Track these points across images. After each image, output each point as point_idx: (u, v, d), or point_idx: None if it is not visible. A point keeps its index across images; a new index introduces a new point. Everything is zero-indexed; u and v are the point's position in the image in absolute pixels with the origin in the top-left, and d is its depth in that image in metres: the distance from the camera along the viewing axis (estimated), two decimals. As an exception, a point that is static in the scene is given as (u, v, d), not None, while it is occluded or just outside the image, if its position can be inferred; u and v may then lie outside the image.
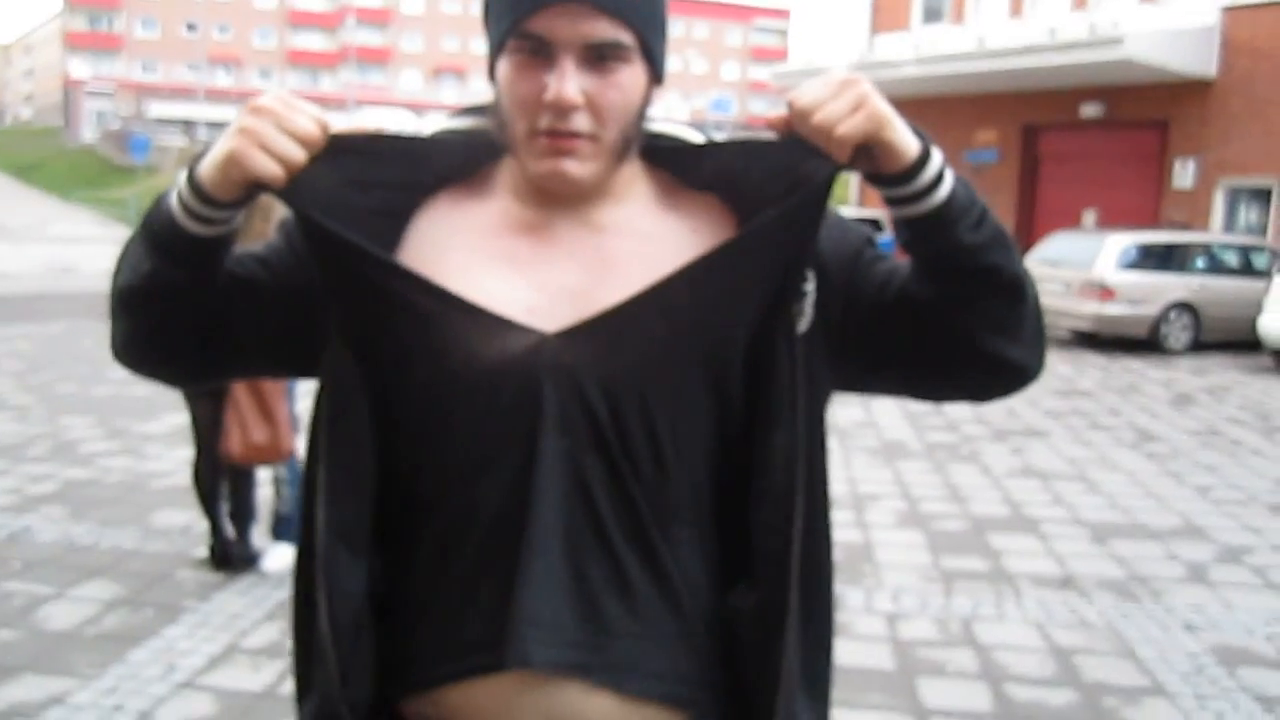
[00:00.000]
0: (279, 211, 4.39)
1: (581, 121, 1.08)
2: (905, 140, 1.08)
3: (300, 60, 69.88)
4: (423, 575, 1.14)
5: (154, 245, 1.11)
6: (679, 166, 1.21)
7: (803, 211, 1.11)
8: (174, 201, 1.10)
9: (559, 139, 1.08)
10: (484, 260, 1.14)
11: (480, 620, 1.08)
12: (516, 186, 1.18)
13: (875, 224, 18.62)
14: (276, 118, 1.06)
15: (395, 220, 1.15)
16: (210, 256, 1.12)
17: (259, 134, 1.05)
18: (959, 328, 1.14)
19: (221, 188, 1.07)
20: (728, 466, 1.14)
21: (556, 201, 1.15)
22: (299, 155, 1.07)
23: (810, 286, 1.14)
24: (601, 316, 1.08)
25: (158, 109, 55.28)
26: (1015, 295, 1.14)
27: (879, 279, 1.18)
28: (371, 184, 1.13)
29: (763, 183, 1.13)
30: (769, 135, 1.15)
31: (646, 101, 1.14)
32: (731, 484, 1.14)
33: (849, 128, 1.05)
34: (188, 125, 49.60)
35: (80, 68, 64.09)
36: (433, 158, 1.19)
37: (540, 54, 1.08)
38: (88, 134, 50.47)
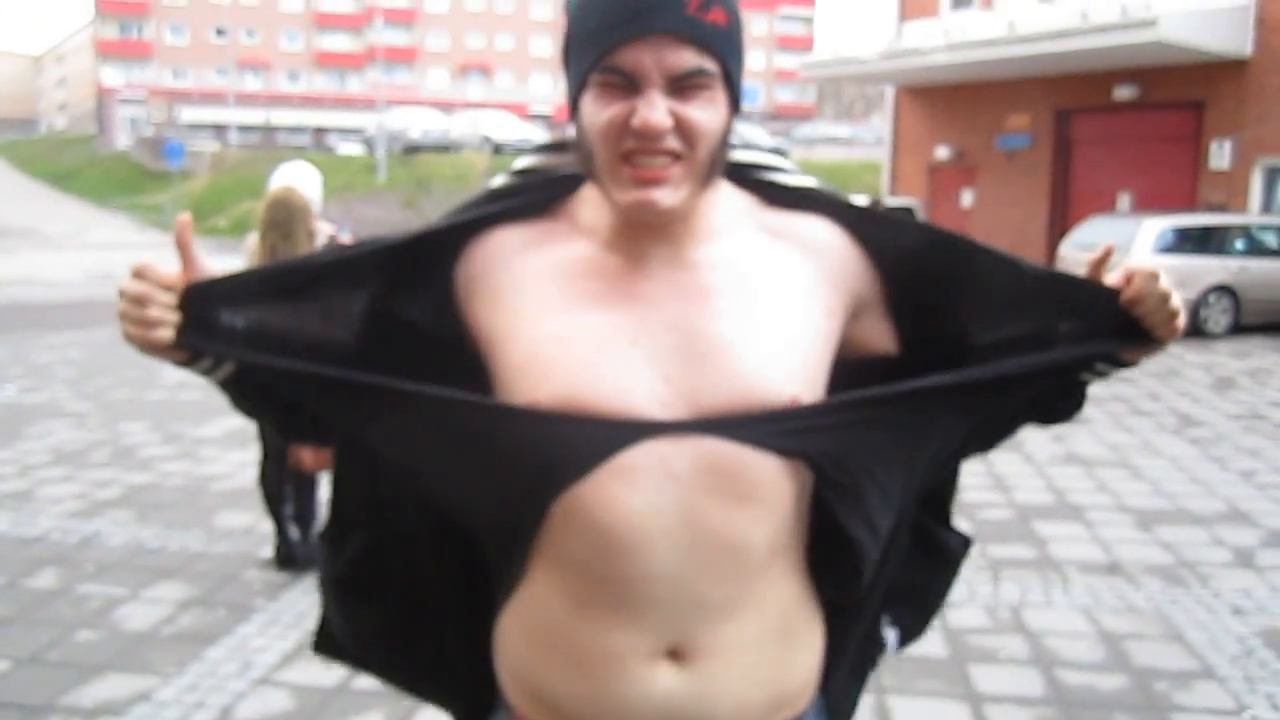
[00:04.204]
0: (316, 229, 4.49)
1: (670, 142, 1.09)
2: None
3: (327, 61, 70.30)
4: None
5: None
6: (771, 193, 1.27)
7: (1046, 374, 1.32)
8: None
9: (646, 170, 1.09)
10: (575, 299, 1.16)
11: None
12: (600, 228, 1.18)
13: (908, 211, 18.55)
14: (131, 307, 1.11)
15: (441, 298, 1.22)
16: (244, 385, 1.21)
17: (127, 325, 1.13)
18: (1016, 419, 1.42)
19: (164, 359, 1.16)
20: None
21: (646, 241, 1.16)
22: (164, 315, 1.11)
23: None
24: (711, 420, 1.11)
25: (189, 114, 55.84)
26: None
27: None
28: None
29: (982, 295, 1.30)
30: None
31: (729, 128, 1.15)
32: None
33: (1180, 326, 1.24)
34: (219, 129, 50.08)
35: (112, 75, 64.84)
36: (491, 202, 1.24)
37: (626, 87, 1.09)
38: (122, 140, 51.09)
